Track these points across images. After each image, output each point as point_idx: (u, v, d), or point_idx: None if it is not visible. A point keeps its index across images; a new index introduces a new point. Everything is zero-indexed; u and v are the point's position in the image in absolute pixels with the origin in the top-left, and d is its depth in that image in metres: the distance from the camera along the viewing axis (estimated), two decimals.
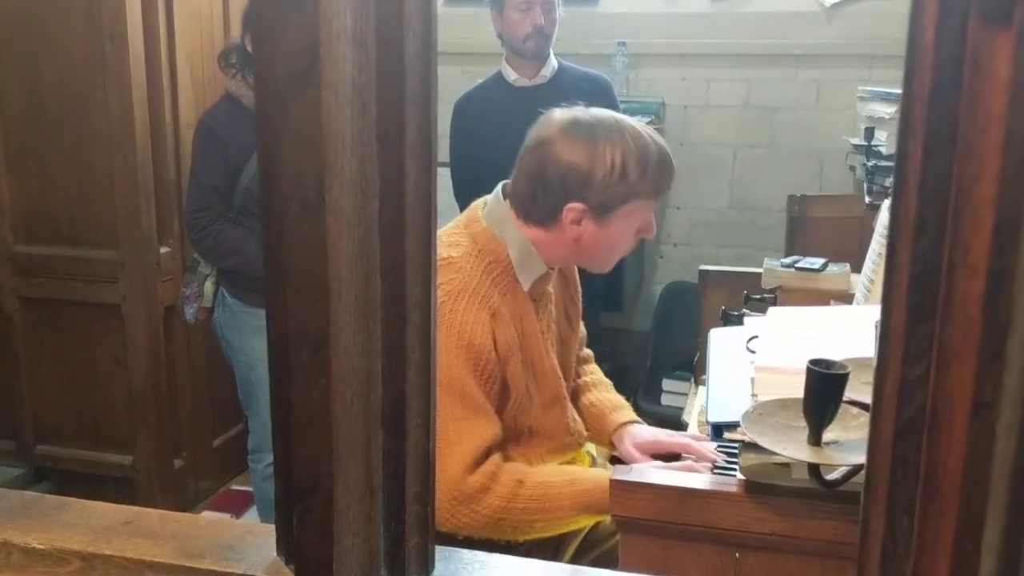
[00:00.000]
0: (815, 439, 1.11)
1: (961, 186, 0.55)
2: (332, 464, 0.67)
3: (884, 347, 0.60)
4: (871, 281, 1.87)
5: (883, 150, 2.84)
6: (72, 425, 3.28)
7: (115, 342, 3.14)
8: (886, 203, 2.04)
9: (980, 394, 0.56)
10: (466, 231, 1.66)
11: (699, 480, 1.34)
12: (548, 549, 1.69)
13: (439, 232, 1.47)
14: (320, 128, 0.62)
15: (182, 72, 3.09)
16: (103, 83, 2.93)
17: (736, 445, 1.34)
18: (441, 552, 0.77)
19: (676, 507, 1.28)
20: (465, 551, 0.79)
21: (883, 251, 1.84)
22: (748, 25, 3.99)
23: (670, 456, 1.76)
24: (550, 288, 1.74)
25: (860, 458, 1.08)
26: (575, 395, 1.93)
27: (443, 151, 3.14)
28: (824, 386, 1.07)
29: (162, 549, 0.77)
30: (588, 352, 2.03)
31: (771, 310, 1.75)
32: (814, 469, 1.14)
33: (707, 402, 1.46)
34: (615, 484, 1.31)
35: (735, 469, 1.41)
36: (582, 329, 1.99)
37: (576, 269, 1.88)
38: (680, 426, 2.02)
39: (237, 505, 3.31)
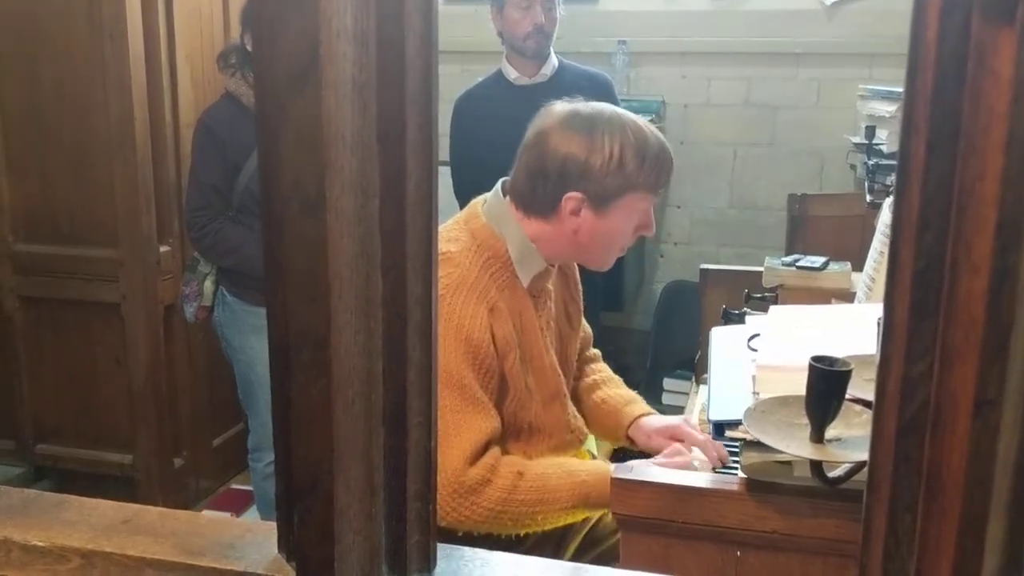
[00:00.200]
0: (817, 436, 1.11)
1: (964, 184, 0.55)
2: (333, 463, 0.67)
3: (887, 344, 0.60)
4: (872, 280, 1.87)
5: (884, 148, 2.84)
6: (72, 424, 3.28)
7: (115, 341, 3.14)
8: (887, 202, 2.04)
9: (983, 392, 0.56)
10: (466, 227, 1.67)
11: (700, 478, 1.34)
12: (549, 547, 1.69)
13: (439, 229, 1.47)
14: (320, 127, 0.62)
15: (182, 71, 3.09)
16: (103, 82, 2.93)
17: (737, 443, 1.34)
18: (442, 550, 0.77)
19: (677, 505, 1.28)
20: (466, 548, 0.79)
21: (884, 249, 1.84)
22: (749, 23, 3.99)
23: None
24: (549, 285, 1.74)
25: (863, 455, 1.07)
26: (585, 394, 1.94)
27: (443, 150, 3.14)
28: (827, 383, 1.07)
29: (162, 547, 0.77)
30: (595, 351, 2.03)
31: (772, 308, 1.75)
32: (816, 466, 1.14)
33: (708, 400, 1.45)
34: (616, 483, 1.31)
35: (736, 467, 1.41)
36: (588, 328, 1.99)
37: (577, 268, 1.88)
38: None
39: (237, 504, 3.31)
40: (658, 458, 1.71)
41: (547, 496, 1.57)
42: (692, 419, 1.88)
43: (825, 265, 2.23)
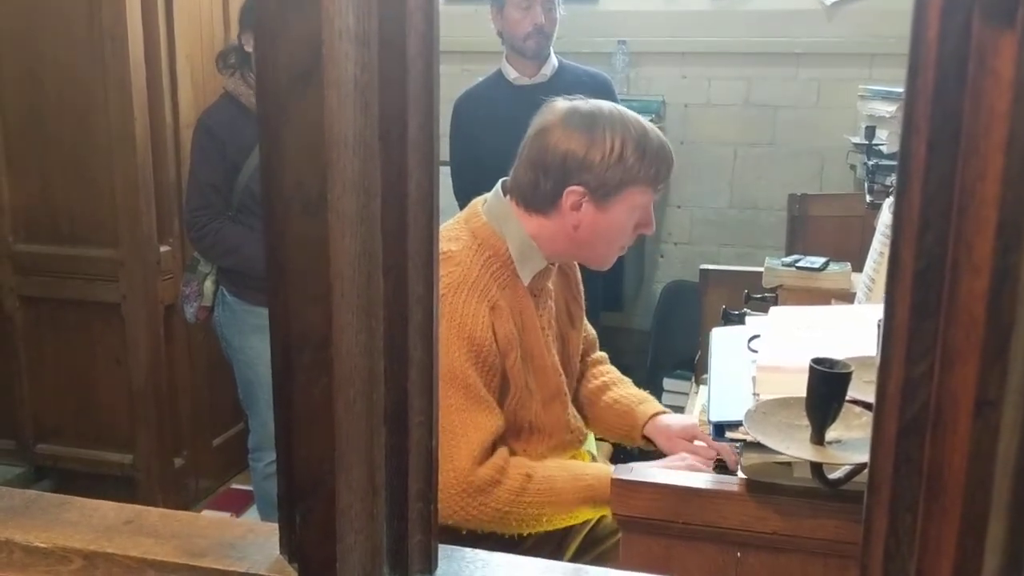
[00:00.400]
0: (818, 438, 1.11)
1: (965, 184, 0.55)
2: (335, 463, 0.67)
3: (887, 345, 0.60)
4: (872, 280, 1.87)
5: (884, 149, 2.84)
6: (72, 424, 3.28)
7: (115, 341, 3.14)
8: (887, 202, 2.04)
9: (983, 392, 0.56)
10: (466, 226, 1.68)
11: (700, 479, 1.34)
12: (550, 547, 1.69)
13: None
14: (322, 127, 0.62)
15: (182, 72, 3.09)
16: (103, 83, 2.93)
17: (738, 444, 1.34)
18: (444, 550, 0.77)
19: (677, 506, 1.28)
20: (467, 549, 0.79)
21: (884, 250, 1.84)
22: (749, 23, 3.99)
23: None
24: (550, 285, 1.75)
25: (863, 457, 1.07)
26: (596, 395, 1.93)
27: (443, 150, 3.14)
28: (827, 385, 1.07)
29: (164, 548, 0.77)
30: (602, 354, 2.03)
31: (773, 309, 1.75)
32: (817, 468, 1.14)
33: (709, 401, 1.45)
34: (616, 483, 1.31)
35: (736, 468, 1.41)
36: (592, 331, 1.99)
37: (578, 268, 1.89)
38: None
39: (237, 504, 3.31)
40: (663, 461, 1.71)
41: (553, 498, 1.58)
42: (693, 419, 1.88)
43: (825, 265, 2.23)
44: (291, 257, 0.65)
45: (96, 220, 3.06)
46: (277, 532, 0.74)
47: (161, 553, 0.77)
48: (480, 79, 3.26)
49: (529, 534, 1.62)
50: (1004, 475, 0.57)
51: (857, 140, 3.14)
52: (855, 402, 1.16)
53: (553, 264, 1.72)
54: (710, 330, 1.81)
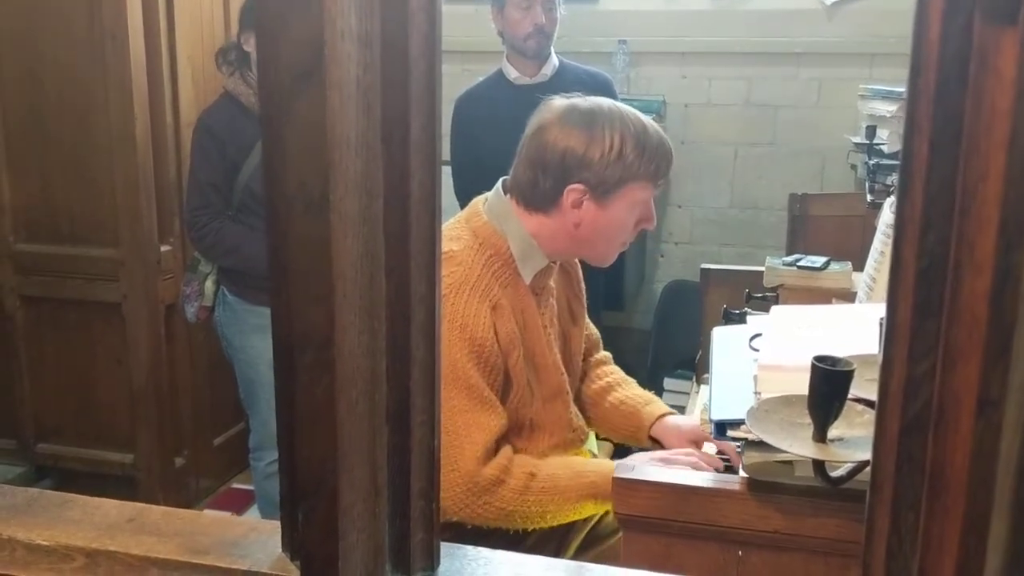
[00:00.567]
0: (820, 436, 1.11)
1: (967, 184, 0.55)
2: (337, 462, 0.67)
3: (890, 344, 0.60)
4: (873, 279, 1.87)
5: (885, 148, 2.83)
6: (73, 424, 3.28)
7: (116, 341, 3.14)
8: (888, 201, 2.04)
9: (986, 391, 0.56)
10: (467, 225, 1.68)
11: (701, 478, 1.34)
12: (551, 545, 1.69)
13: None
14: (325, 128, 0.62)
15: (183, 71, 3.09)
16: (104, 82, 2.93)
17: (739, 443, 1.34)
18: (446, 548, 0.77)
19: (678, 505, 1.28)
20: (469, 547, 0.79)
21: (885, 249, 1.84)
22: (749, 23, 3.99)
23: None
24: (551, 283, 1.75)
25: (865, 455, 1.08)
26: (600, 396, 1.93)
27: (444, 150, 3.14)
28: (829, 383, 1.07)
29: (166, 546, 0.78)
30: (606, 354, 2.03)
31: (774, 308, 1.75)
32: (819, 466, 1.14)
33: (710, 400, 1.46)
34: (617, 482, 1.31)
35: (738, 467, 1.41)
36: (595, 331, 1.99)
37: (579, 267, 1.89)
38: None
39: (238, 504, 3.32)
40: (656, 453, 1.71)
41: (557, 496, 1.59)
42: (694, 419, 1.88)
43: (826, 265, 2.23)
44: (293, 257, 0.65)
45: (97, 220, 3.06)
46: (279, 530, 0.75)
47: (163, 551, 0.77)
48: (481, 79, 3.26)
49: (532, 531, 1.63)
50: (1006, 473, 0.57)
51: (858, 140, 3.14)
52: (857, 400, 1.16)
53: (554, 262, 1.72)
54: (711, 330, 1.81)
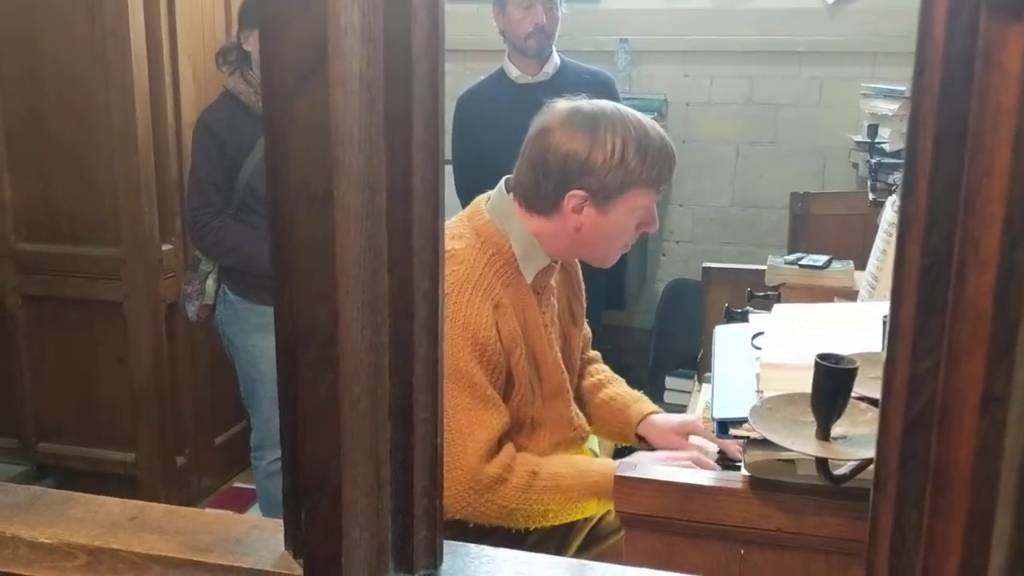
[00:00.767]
0: (823, 434, 1.11)
1: (971, 181, 0.55)
2: (340, 459, 0.67)
3: (893, 342, 0.60)
4: (875, 278, 1.87)
5: (886, 147, 2.84)
6: (74, 423, 3.28)
7: (117, 340, 3.14)
8: (890, 200, 2.04)
9: (990, 389, 0.56)
10: (469, 224, 1.68)
11: (704, 476, 1.34)
12: (553, 544, 1.70)
13: None
14: (328, 124, 0.62)
15: (184, 70, 3.09)
16: (105, 81, 2.93)
17: (742, 441, 1.34)
18: (448, 546, 0.77)
19: (680, 503, 1.28)
20: (472, 545, 0.79)
21: (887, 248, 1.84)
22: (750, 22, 3.99)
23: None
24: (552, 282, 1.75)
25: (869, 453, 1.07)
26: (590, 393, 1.94)
27: (446, 148, 3.14)
28: (833, 381, 1.07)
29: (169, 544, 0.78)
30: (595, 353, 2.04)
31: (776, 307, 1.75)
32: (822, 464, 1.14)
33: (713, 399, 1.46)
34: (619, 480, 1.31)
35: (740, 465, 1.41)
36: (587, 329, 1.99)
37: (579, 266, 1.89)
38: None
39: (239, 502, 3.32)
40: (661, 453, 1.72)
41: (559, 495, 1.59)
42: (695, 417, 1.89)
43: (827, 264, 2.23)
44: (297, 254, 0.65)
45: (98, 219, 3.06)
46: (282, 528, 0.75)
47: (166, 549, 0.77)
48: (482, 77, 3.25)
49: (533, 530, 1.63)
50: (1010, 470, 0.57)
51: (859, 138, 3.14)
52: (860, 398, 1.16)
53: (556, 262, 1.72)
54: (712, 328, 1.81)
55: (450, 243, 1.63)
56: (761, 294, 2.18)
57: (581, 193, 1.60)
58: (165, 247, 3.10)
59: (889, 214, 1.92)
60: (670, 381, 3.85)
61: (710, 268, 2.50)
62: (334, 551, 0.68)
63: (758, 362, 1.41)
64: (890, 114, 2.99)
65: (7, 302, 3.23)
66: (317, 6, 0.61)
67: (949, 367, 0.57)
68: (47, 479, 3.34)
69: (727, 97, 4.11)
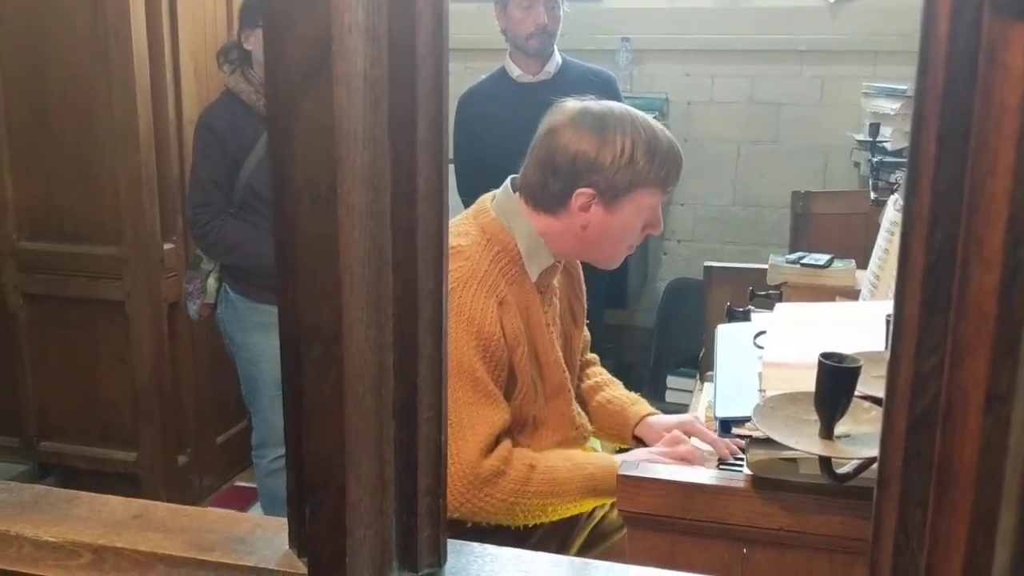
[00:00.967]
0: (827, 432, 1.11)
1: (975, 179, 0.55)
2: (344, 458, 0.67)
3: (897, 340, 0.60)
4: (877, 277, 1.87)
5: (888, 146, 2.83)
6: (76, 422, 3.28)
7: (119, 339, 3.14)
8: (891, 199, 2.04)
9: (994, 387, 0.56)
10: (475, 221, 1.69)
11: (706, 475, 1.34)
12: (555, 542, 1.70)
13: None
14: (332, 122, 0.62)
15: (186, 69, 3.09)
16: (107, 80, 2.93)
17: (744, 440, 1.34)
18: (452, 545, 0.77)
19: (683, 502, 1.28)
20: (475, 544, 0.79)
21: (889, 247, 1.84)
22: (752, 21, 3.99)
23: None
24: (555, 282, 1.75)
25: (872, 451, 1.08)
26: (588, 395, 1.95)
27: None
28: (836, 379, 1.07)
29: (173, 542, 0.78)
30: (593, 355, 2.04)
31: (778, 306, 1.75)
32: (825, 462, 1.14)
33: (715, 398, 1.46)
34: (622, 480, 1.31)
35: (742, 464, 1.41)
36: (587, 332, 2.00)
37: (581, 268, 1.89)
38: None
39: (241, 501, 3.32)
40: (658, 446, 1.71)
41: (557, 488, 1.59)
42: (699, 416, 1.89)
43: (829, 262, 2.23)
44: (301, 252, 0.65)
45: (100, 218, 3.06)
46: (286, 527, 0.75)
47: (170, 547, 0.77)
48: (484, 76, 3.25)
49: (535, 528, 1.63)
50: (1014, 469, 0.57)
51: (861, 137, 3.13)
52: (864, 397, 1.16)
53: (559, 262, 1.73)
54: (714, 327, 1.81)
55: (456, 239, 1.63)
56: (763, 293, 2.19)
57: (589, 191, 1.61)
58: (167, 246, 3.10)
59: (891, 213, 1.92)
60: (672, 380, 3.85)
61: (712, 267, 2.50)
62: (338, 549, 0.68)
63: (760, 361, 1.41)
64: (892, 113, 2.99)
65: (9, 301, 3.23)
66: (321, 3, 0.61)
67: (953, 365, 0.57)
68: (49, 478, 3.35)
69: (728, 96, 4.11)
